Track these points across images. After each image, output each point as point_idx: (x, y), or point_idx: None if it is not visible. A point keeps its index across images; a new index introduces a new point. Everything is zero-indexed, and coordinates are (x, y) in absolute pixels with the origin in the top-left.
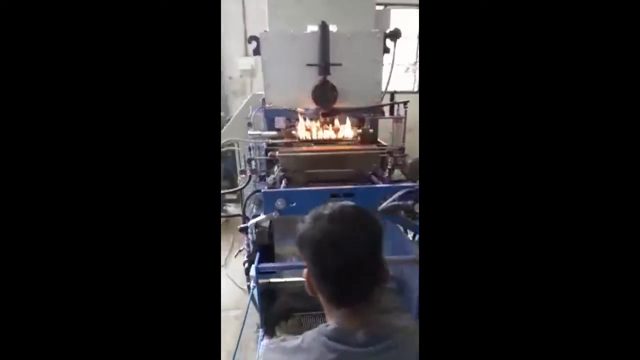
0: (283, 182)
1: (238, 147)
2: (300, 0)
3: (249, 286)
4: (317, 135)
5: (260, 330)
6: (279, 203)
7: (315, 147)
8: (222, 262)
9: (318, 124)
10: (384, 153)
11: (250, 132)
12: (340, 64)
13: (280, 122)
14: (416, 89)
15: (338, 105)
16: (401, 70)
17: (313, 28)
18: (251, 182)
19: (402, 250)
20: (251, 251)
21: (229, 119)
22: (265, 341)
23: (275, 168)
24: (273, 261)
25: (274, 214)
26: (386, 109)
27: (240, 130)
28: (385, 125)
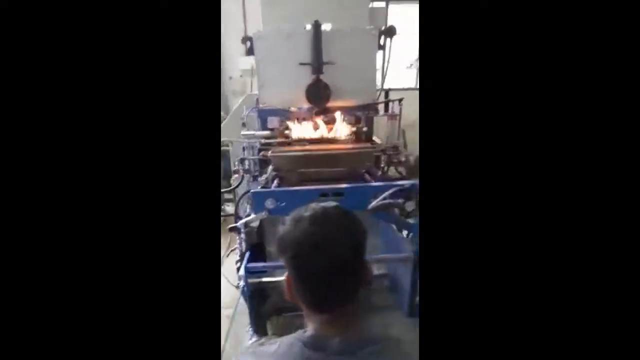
0: (275, 181)
1: (231, 147)
2: None
3: (238, 285)
4: (310, 135)
5: (250, 329)
6: (269, 203)
7: (307, 147)
8: None
9: (312, 123)
10: (377, 151)
11: (243, 132)
12: (333, 63)
13: (273, 121)
14: (417, 85)
15: (332, 103)
16: (404, 67)
17: (308, 26)
18: (244, 181)
19: (396, 248)
20: (243, 250)
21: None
22: (248, 343)
23: (269, 168)
24: (264, 260)
25: (263, 213)
26: (382, 107)
27: (235, 130)
28: (384, 124)
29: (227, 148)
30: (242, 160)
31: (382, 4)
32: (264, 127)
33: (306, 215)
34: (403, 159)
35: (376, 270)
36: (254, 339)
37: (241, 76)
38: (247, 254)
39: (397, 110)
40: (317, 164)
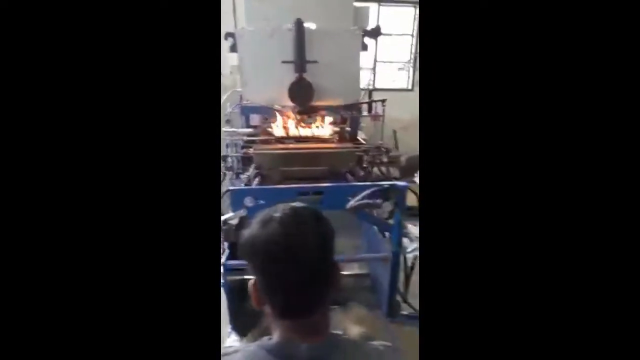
0: (257, 179)
1: None
2: None
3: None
4: (293, 133)
5: (229, 328)
6: (247, 201)
7: (290, 145)
8: None
9: (295, 121)
10: (360, 151)
11: (226, 128)
12: (316, 62)
13: (255, 119)
14: (410, 86)
15: (316, 102)
16: (395, 68)
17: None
18: (227, 179)
19: (376, 248)
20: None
21: None
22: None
23: (252, 166)
24: None
25: (242, 211)
26: (366, 107)
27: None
28: (385, 125)
29: None
30: (224, 158)
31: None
32: (247, 124)
33: (276, 217)
34: (385, 159)
35: (358, 270)
36: (232, 336)
37: (231, 73)
38: (227, 252)
39: (380, 111)
40: (299, 163)
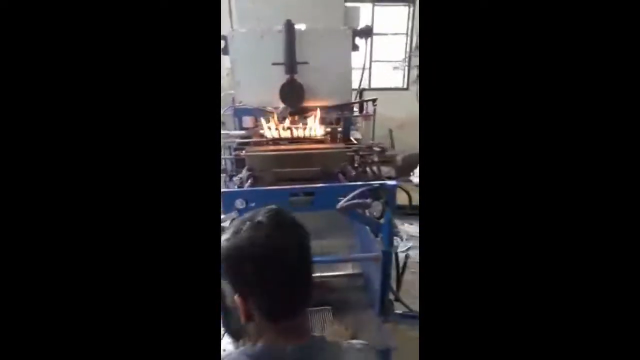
0: (249, 181)
1: None
2: None
3: None
4: (285, 134)
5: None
6: (238, 203)
7: (282, 146)
8: None
9: (286, 122)
10: (351, 151)
11: None
12: (306, 62)
13: (247, 121)
14: (405, 85)
15: (308, 103)
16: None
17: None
18: (220, 182)
19: (368, 248)
20: None
21: None
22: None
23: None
24: None
25: (233, 213)
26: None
27: None
28: (382, 124)
29: None
30: None
31: (357, 5)
32: (240, 126)
33: (252, 223)
34: (376, 158)
35: (352, 270)
36: (225, 338)
37: (227, 74)
38: None
39: (371, 111)
40: (291, 164)
